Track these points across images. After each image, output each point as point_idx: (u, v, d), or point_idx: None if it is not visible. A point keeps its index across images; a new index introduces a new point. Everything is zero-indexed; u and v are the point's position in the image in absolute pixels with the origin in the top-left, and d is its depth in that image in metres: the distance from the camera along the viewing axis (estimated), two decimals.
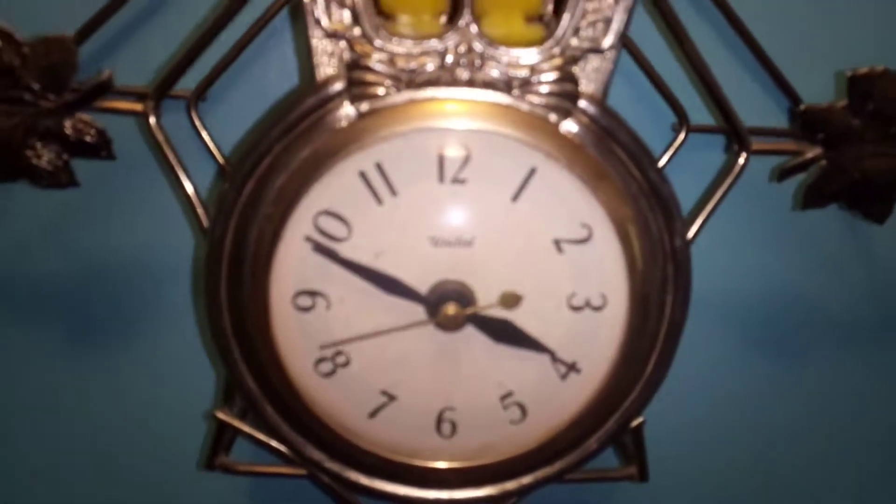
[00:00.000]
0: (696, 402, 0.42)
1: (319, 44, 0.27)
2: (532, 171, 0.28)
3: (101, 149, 0.30)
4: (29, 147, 0.29)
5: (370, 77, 0.26)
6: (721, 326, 0.42)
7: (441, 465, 0.32)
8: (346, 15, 0.26)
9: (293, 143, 0.28)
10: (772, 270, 0.42)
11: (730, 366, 0.42)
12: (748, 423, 0.42)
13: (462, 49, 0.26)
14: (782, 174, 0.32)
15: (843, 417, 0.43)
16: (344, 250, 0.29)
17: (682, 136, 0.37)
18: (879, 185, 0.31)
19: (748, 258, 0.41)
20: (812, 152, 0.31)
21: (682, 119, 0.37)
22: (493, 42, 0.27)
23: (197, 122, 0.33)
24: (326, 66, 0.27)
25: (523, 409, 0.31)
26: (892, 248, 0.40)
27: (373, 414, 0.31)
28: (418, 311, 0.29)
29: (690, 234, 0.31)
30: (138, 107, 0.30)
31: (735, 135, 0.31)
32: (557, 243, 0.29)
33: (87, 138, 0.30)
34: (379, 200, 0.28)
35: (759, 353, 0.42)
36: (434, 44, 0.26)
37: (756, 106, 0.39)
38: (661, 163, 0.37)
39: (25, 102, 0.28)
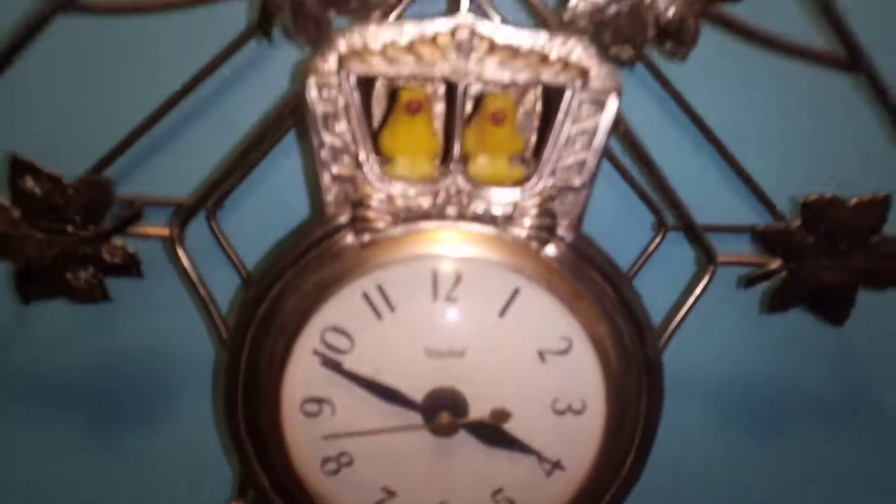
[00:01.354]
0: (680, 483, 0.45)
1: (328, 184, 0.30)
2: (516, 291, 0.31)
3: (130, 269, 0.34)
4: (69, 270, 0.33)
5: (371, 214, 0.30)
6: (701, 408, 0.45)
7: None
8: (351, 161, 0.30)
9: (303, 269, 0.31)
10: (748, 356, 0.45)
11: (709, 446, 0.45)
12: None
13: (452, 190, 0.30)
14: (748, 283, 0.35)
15: (816, 489, 0.46)
16: (347, 362, 0.32)
17: (659, 237, 0.40)
18: (835, 294, 0.34)
19: (726, 344, 0.44)
20: (774, 264, 0.34)
21: (659, 220, 0.41)
22: (478, 184, 0.30)
23: (217, 232, 0.37)
24: (334, 203, 0.31)
25: None
26: (859, 334, 0.43)
27: None
28: (415, 417, 0.32)
29: (664, 340, 0.35)
30: (165, 232, 0.34)
31: (703, 250, 0.34)
32: (541, 354, 0.32)
33: (119, 261, 0.33)
34: (379, 316, 0.31)
35: (736, 432, 0.45)
36: (427, 187, 0.30)
37: (728, 205, 0.43)
38: (641, 260, 0.41)
39: (67, 233, 0.32)
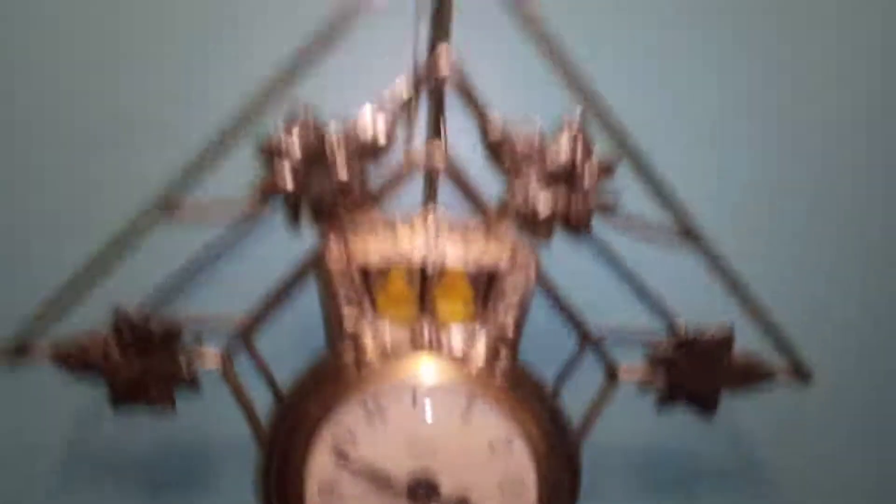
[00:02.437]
0: None
1: (345, 332, 0.43)
2: (472, 402, 0.43)
3: (192, 384, 0.46)
4: (148, 385, 0.45)
5: (369, 350, 0.43)
6: (621, 479, 0.57)
7: None
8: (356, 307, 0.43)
9: (319, 387, 0.43)
10: (664, 431, 0.57)
11: None
12: None
13: (425, 331, 0.43)
14: (642, 389, 0.47)
15: None
16: (352, 454, 0.44)
17: (580, 349, 0.52)
18: (704, 398, 0.47)
19: (641, 427, 0.57)
20: (659, 379, 0.47)
21: (582, 335, 0.53)
22: (443, 325, 0.43)
23: (255, 356, 0.49)
24: (345, 342, 0.43)
25: None
26: (740, 419, 0.56)
27: None
28: (401, 494, 0.44)
29: (585, 432, 0.47)
30: (218, 361, 0.46)
31: (607, 370, 0.47)
32: (491, 446, 0.44)
33: (184, 377, 0.45)
34: (374, 420, 0.43)
35: (651, 498, 0.57)
36: (408, 329, 0.43)
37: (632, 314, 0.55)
38: (567, 366, 0.53)
39: (152, 359, 0.44)
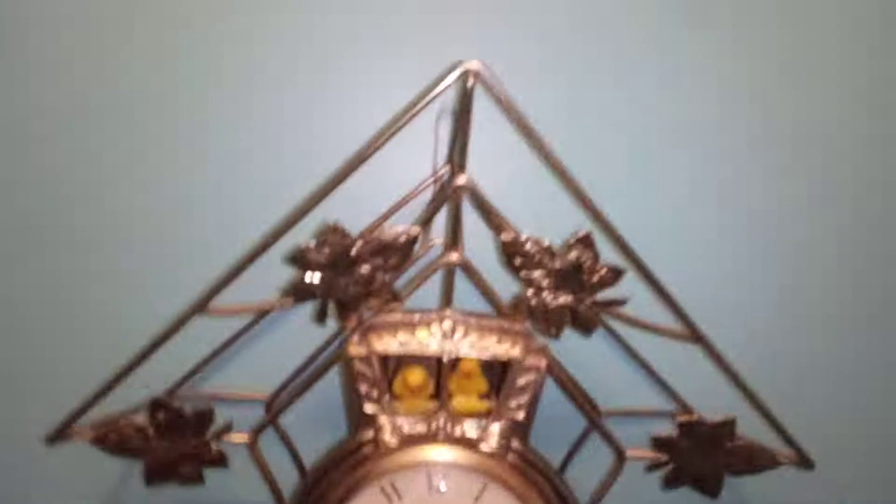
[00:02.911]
0: None
1: (365, 417, 0.46)
2: (484, 486, 0.46)
3: (220, 463, 0.49)
4: (180, 465, 0.48)
5: (386, 436, 0.45)
6: None
7: None
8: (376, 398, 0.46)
9: (340, 471, 0.46)
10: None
11: None
12: None
13: (441, 420, 0.45)
14: (648, 470, 0.49)
15: None
16: None
17: (587, 431, 0.55)
18: (708, 479, 0.49)
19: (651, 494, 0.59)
20: (664, 458, 0.49)
21: (589, 417, 0.55)
22: (458, 416, 0.45)
23: (282, 435, 0.52)
24: (365, 428, 0.46)
25: None
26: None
27: None
28: None
29: None
30: (245, 438, 0.49)
31: (615, 451, 0.49)
32: None
33: (213, 458, 0.48)
34: (390, 501, 0.46)
35: None
36: (424, 418, 0.45)
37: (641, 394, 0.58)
38: (578, 444, 0.55)
39: (184, 440, 0.47)
